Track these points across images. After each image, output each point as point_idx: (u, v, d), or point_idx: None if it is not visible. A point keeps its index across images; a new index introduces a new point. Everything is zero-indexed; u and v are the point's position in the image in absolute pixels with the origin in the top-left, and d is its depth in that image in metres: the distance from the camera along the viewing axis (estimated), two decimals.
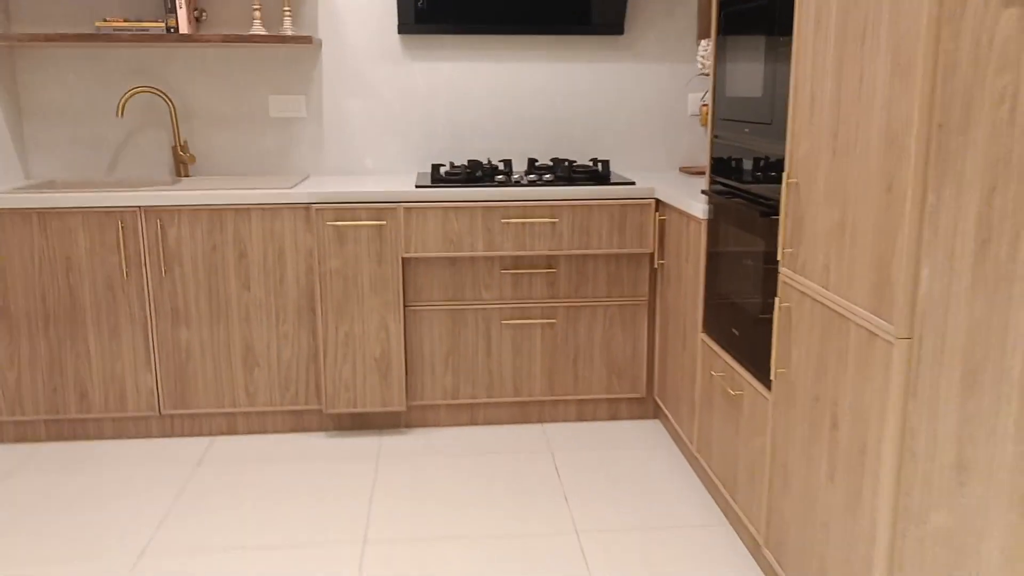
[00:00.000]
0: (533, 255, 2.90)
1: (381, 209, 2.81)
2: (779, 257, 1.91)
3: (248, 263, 2.85)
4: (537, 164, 3.19)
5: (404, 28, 3.16)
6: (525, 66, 3.28)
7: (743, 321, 2.17)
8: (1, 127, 3.04)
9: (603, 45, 3.29)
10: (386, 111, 3.28)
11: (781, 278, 1.91)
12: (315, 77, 3.24)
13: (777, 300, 1.91)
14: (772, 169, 1.98)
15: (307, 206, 2.82)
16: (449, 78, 3.27)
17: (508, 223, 2.84)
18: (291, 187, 2.87)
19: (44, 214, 2.75)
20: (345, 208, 2.80)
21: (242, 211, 2.81)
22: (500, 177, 2.97)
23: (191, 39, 2.92)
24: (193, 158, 3.21)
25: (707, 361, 2.45)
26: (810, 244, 1.77)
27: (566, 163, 3.10)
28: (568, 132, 3.34)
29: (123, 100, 3.04)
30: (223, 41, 2.93)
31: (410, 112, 3.29)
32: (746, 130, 2.14)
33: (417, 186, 2.85)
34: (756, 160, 2.09)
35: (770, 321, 1.99)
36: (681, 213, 2.65)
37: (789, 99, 1.85)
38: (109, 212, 2.77)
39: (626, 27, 3.28)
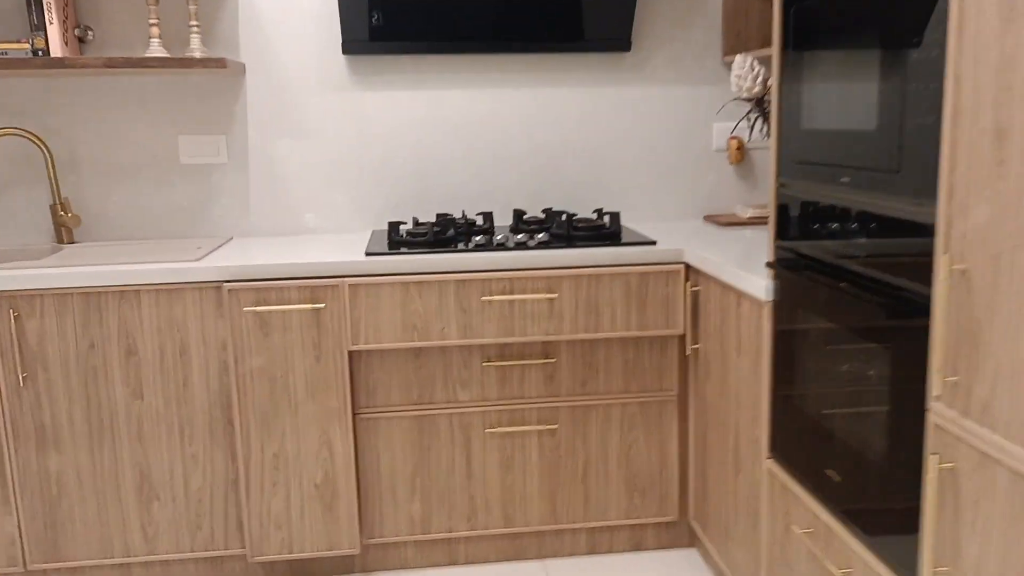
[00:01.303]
0: (525, 342, 2.17)
1: (318, 287, 2.08)
2: (932, 389, 1.20)
3: (139, 363, 2.10)
4: (526, 218, 2.47)
5: (351, 47, 2.45)
6: (508, 93, 2.58)
7: (848, 464, 1.46)
8: None
9: (605, 65, 2.60)
10: (330, 154, 2.56)
11: (934, 419, 1.20)
12: (237, 112, 2.52)
13: (930, 456, 1.20)
14: (901, 239, 1.28)
15: (217, 285, 2.09)
16: (411, 110, 2.56)
17: (490, 301, 2.12)
18: (197, 259, 2.13)
19: None
20: (269, 287, 2.07)
21: (128, 294, 2.07)
22: (479, 238, 2.25)
23: (64, 64, 2.20)
24: (78, 219, 2.46)
25: (781, 503, 1.73)
26: (999, 375, 1.06)
27: (564, 217, 2.38)
28: (563, 175, 2.64)
29: None
30: (105, 66, 2.20)
31: (361, 154, 2.57)
32: (844, 179, 1.44)
33: (368, 253, 2.13)
34: (865, 223, 1.38)
35: (910, 481, 1.27)
36: (726, 287, 1.94)
37: (943, 134, 1.16)
38: None
39: (633, 42, 2.60)
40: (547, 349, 2.20)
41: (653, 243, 2.20)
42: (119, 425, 2.12)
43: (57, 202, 2.44)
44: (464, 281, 2.11)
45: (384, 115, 2.55)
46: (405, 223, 2.44)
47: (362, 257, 2.11)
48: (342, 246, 2.29)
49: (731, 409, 1.95)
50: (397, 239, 2.27)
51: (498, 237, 2.22)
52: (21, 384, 2.08)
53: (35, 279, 2.03)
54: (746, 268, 1.83)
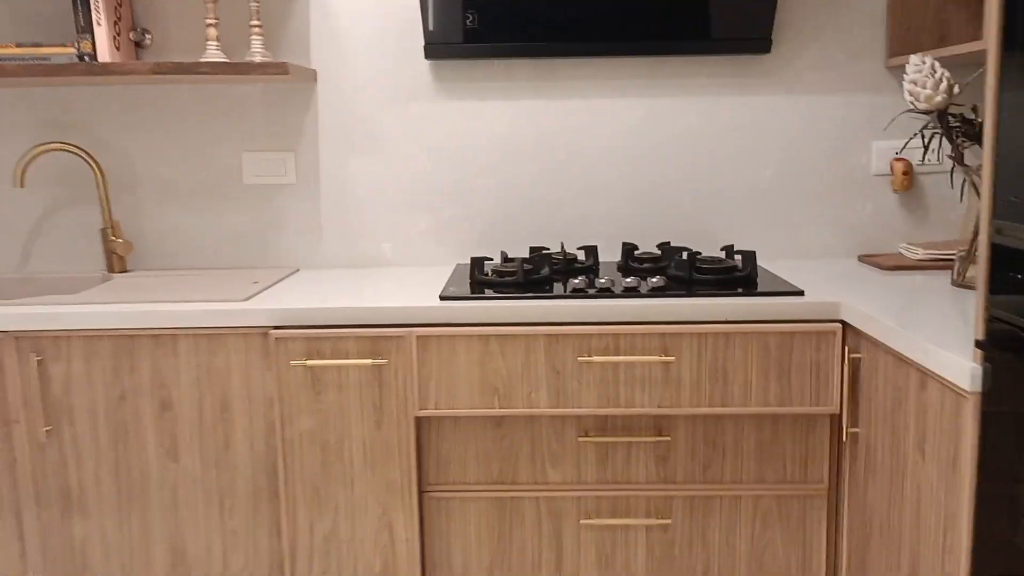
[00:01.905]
0: (632, 414, 1.74)
1: (381, 338, 1.72)
2: None
3: (175, 419, 1.79)
4: (638, 255, 2.05)
5: (436, 51, 2.09)
6: (620, 104, 2.16)
7: None
8: None
9: (737, 69, 2.15)
10: (410, 174, 2.21)
11: None
12: (307, 126, 2.20)
13: None
14: None
15: (264, 331, 1.75)
16: (503, 123, 2.18)
17: (590, 361, 1.71)
18: (244, 298, 1.81)
19: None
20: (322, 336, 1.72)
21: (163, 338, 1.76)
22: (578, 280, 1.84)
23: (107, 70, 1.92)
24: (128, 246, 2.19)
25: None
26: None
27: (684, 256, 1.94)
28: (682, 202, 2.20)
29: (23, 163, 2.06)
30: (152, 73, 1.92)
31: (444, 174, 2.21)
32: None
33: (442, 297, 1.75)
34: None
35: None
36: (902, 359, 1.46)
37: None
38: None
39: (775, 42, 2.14)
40: (660, 424, 1.76)
41: (800, 293, 1.74)
42: (151, 490, 1.81)
43: (108, 226, 2.18)
44: (558, 336, 1.70)
45: (472, 129, 2.18)
46: (492, 259, 2.05)
47: (435, 302, 1.73)
48: (416, 286, 1.93)
49: (907, 524, 1.47)
50: (481, 278, 1.89)
51: (602, 280, 1.81)
52: (45, 438, 1.80)
53: (57, 319, 1.74)
54: (935, 337, 1.35)
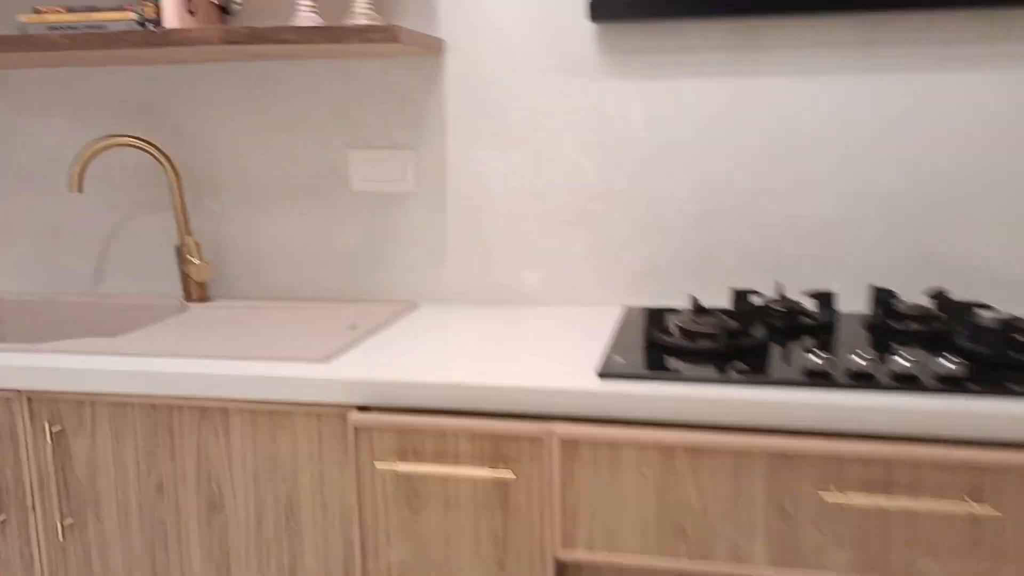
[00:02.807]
0: None
1: (506, 437, 1.14)
2: None
3: (226, 524, 1.29)
4: (900, 309, 1.36)
5: (606, 10, 1.48)
6: (871, 81, 1.47)
7: None
8: None
9: None
10: (566, 179, 1.62)
11: None
12: (431, 115, 1.65)
13: None
14: None
15: (342, 411, 1.22)
16: (698, 110, 1.54)
17: (843, 504, 1.05)
18: (323, 357, 1.27)
19: None
20: (421, 427, 1.16)
21: (212, 411, 1.26)
22: (812, 356, 1.17)
23: (169, 39, 1.44)
24: (205, 269, 1.73)
25: None
26: None
27: (989, 320, 1.23)
28: (960, 223, 1.48)
29: (79, 164, 1.63)
30: (223, 42, 1.42)
31: (612, 180, 1.59)
32: None
33: (602, 375, 1.15)
34: None
35: None
36: None
37: None
38: None
39: None
40: None
41: None
42: None
43: (183, 243, 1.72)
44: (789, 455, 1.06)
45: (652, 117, 1.56)
46: (676, 310, 1.43)
47: (590, 382, 1.13)
48: (565, 344, 1.33)
49: None
50: (662, 341, 1.27)
51: (851, 357, 1.14)
52: (62, 536, 1.35)
53: (76, 377, 1.28)
54: None
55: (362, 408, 1.20)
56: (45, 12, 1.56)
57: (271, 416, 1.24)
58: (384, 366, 1.23)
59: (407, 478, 1.17)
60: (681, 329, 1.27)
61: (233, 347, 1.34)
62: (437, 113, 1.64)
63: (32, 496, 1.34)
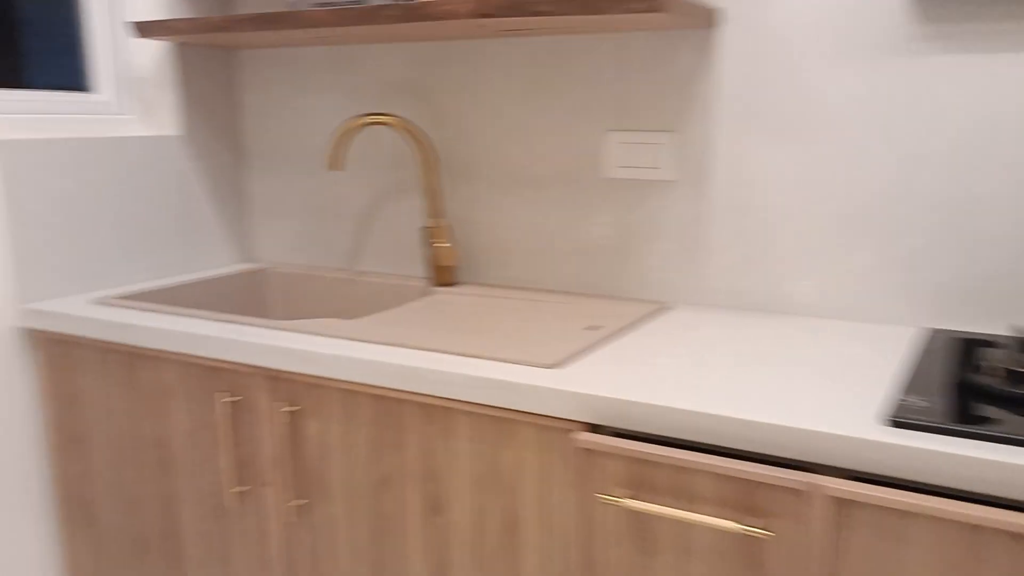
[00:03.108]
0: None
1: (760, 484, 0.94)
2: None
3: (446, 528, 1.21)
4: None
5: None
6: None
7: None
8: (218, 183, 1.88)
9: None
10: (860, 175, 1.36)
11: None
12: (697, 96, 1.46)
13: None
14: None
15: (567, 428, 1.08)
16: None
17: None
18: (553, 363, 1.15)
19: (135, 356, 1.46)
20: (657, 459, 0.99)
21: (435, 410, 1.18)
22: None
23: (421, 13, 1.38)
24: (453, 254, 1.67)
25: None
26: None
27: None
28: None
29: (334, 143, 1.63)
30: (476, 15, 1.32)
31: (918, 179, 1.31)
32: None
33: (896, 422, 0.91)
34: None
35: None
36: None
37: None
38: (215, 369, 1.37)
39: None
40: None
41: None
42: None
43: (432, 224, 1.68)
44: None
45: (970, 98, 1.25)
46: (991, 341, 1.14)
47: (875, 431, 0.90)
48: (842, 373, 1.10)
49: None
50: (970, 382, 1.00)
51: None
52: (294, 516, 1.34)
53: (314, 360, 1.25)
54: None
55: (591, 427, 1.06)
56: None
57: (495, 422, 1.14)
58: (621, 379, 1.08)
59: (637, 515, 1.01)
60: (1003, 368, 1.00)
61: (463, 342, 1.25)
62: (706, 94, 1.45)
63: (268, 473, 1.35)
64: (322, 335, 1.31)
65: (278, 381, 1.31)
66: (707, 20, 1.39)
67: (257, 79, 1.90)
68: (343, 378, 1.23)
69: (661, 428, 1.00)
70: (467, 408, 1.15)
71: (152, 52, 1.81)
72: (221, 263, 1.92)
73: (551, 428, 1.09)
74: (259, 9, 1.86)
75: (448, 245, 1.67)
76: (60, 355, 1.54)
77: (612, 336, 1.30)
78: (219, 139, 1.90)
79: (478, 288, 1.67)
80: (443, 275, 1.69)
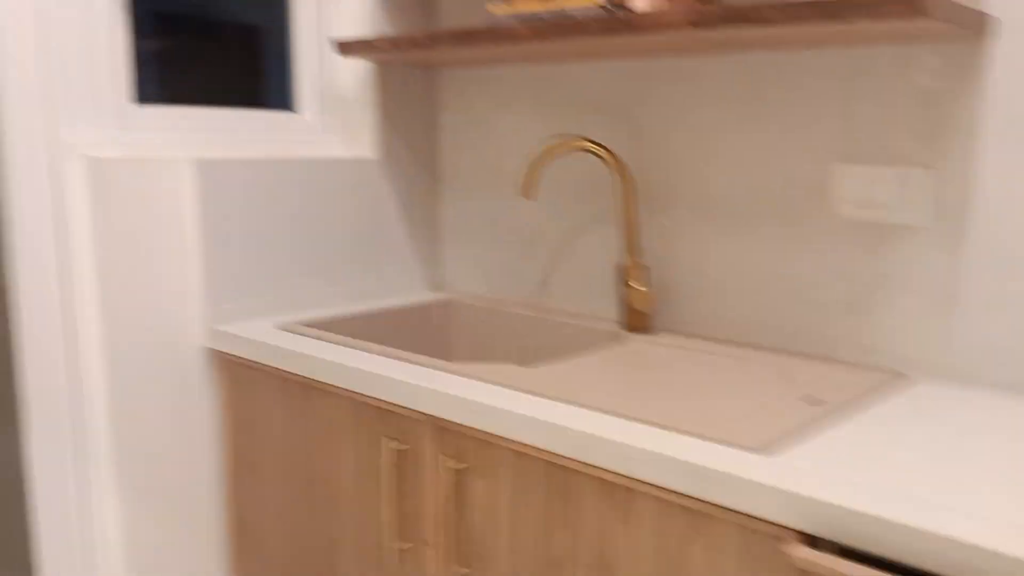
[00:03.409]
0: None
1: None
2: None
3: None
4: None
5: None
6: None
7: None
8: (411, 207, 1.82)
9: None
10: None
11: None
12: (960, 122, 1.19)
13: None
14: None
15: (776, 533, 0.87)
16: None
17: None
18: (762, 445, 0.94)
19: (310, 387, 1.40)
20: None
21: (617, 489, 1.01)
22: None
23: (632, 26, 1.22)
24: (650, 298, 1.49)
25: None
26: None
27: None
28: None
29: (528, 170, 1.50)
30: (692, 25, 1.15)
31: None
32: None
33: None
34: None
35: None
36: None
37: None
38: (384, 411, 1.28)
39: None
40: None
41: None
42: None
43: (631, 261, 1.51)
44: None
45: None
46: None
47: None
48: None
49: None
50: None
51: None
52: None
53: (486, 414, 1.12)
54: None
55: (809, 537, 0.84)
56: (514, 1, 1.44)
57: (685, 513, 0.95)
58: (850, 478, 0.86)
59: None
60: None
61: (651, 408, 1.07)
62: (970, 120, 1.18)
63: (431, 533, 1.24)
64: (495, 383, 1.18)
65: (446, 432, 1.19)
66: (977, 28, 1.12)
67: (455, 99, 1.82)
68: (514, 438, 1.09)
69: (906, 553, 0.77)
70: (652, 491, 0.97)
71: (354, 71, 1.77)
72: (409, 290, 1.86)
73: (756, 531, 0.89)
74: (458, 25, 1.78)
75: (644, 289, 1.49)
76: (241, 379, 1.52)
77: (837, 413, 1.06)
78: (415, 161, 1.83)
79: (675, 337, 1.47)
80: (636, 320, 1.51)
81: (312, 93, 1.78)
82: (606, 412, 1.06)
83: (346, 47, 1.63)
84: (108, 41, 1.46)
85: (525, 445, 1.09)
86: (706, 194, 1.46)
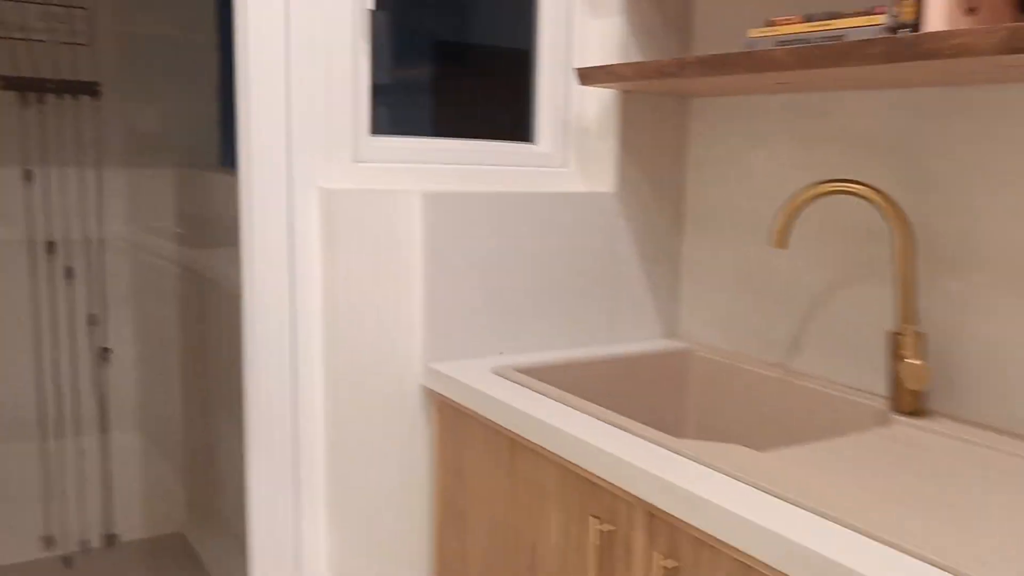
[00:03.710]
0: None
1: None
2: None
3: None
4: None
5: None
6: None
7: None
8: (650, 246, 1.68)
9: None
10: None
11: None
12: None
13: None
14: None
15: None
16: None
17: None
18: None
19: (516, 444, 1.29)
20: None
21: None
22: None
23: (922, 50, 0.99)
24: (924, 373, 1.22)
25: None
26: None
27: None
28: None
29: (783, 217, 1.29)
30: (1001, 50, 0.90)
31: None
32: None
33: None
34: None
35: None
36: None
37: None
38: (593, 485, 1.13)
39: None
40: None
41: None
42: None
43: (902, 331, 1.25)
44: None
45: None
46: None
47: None
48: None
49: None
50: None
51: None
52: None
53: (699, 507, 0.94)
54: None
55: None
56: (778, 23, 1.25)
57: None
58: None
59: None
60: None
61: (926, 531, 0.83)
62: None
63: None
64: (720, 471, 1.00)
65: (657, 521, 1.02)
66: None
67: (705, 130, 1.65)
68: (735, 544, 0.90)
69: None
70: None
71: (599, 99, 1.65)
72: (642, 336, 1.70)
73: None
74: (715, 51, 1.61)
75: (919, 363, 1.22)
76: (453, 421, 1.45)
77: None
78: (657, 197, 1.68)
79: (955, 425, 1.20)
80: (906, 399, 1.25)
81: (553, 122, 1.69)
82: (860, 532, 0.85)
83: (586, 75, 1.52)
84: (351, 75, 1.45)
85: (750, 557, 0.90)
86: (1010, 253, 1.17)
